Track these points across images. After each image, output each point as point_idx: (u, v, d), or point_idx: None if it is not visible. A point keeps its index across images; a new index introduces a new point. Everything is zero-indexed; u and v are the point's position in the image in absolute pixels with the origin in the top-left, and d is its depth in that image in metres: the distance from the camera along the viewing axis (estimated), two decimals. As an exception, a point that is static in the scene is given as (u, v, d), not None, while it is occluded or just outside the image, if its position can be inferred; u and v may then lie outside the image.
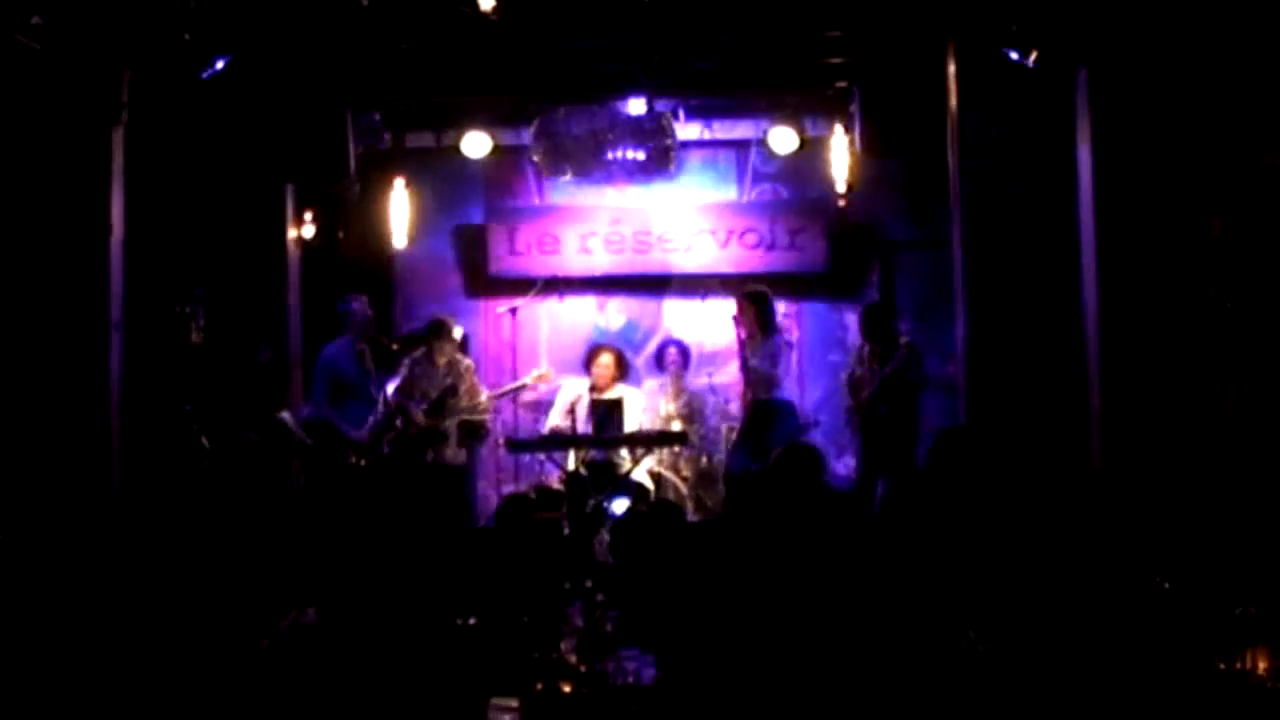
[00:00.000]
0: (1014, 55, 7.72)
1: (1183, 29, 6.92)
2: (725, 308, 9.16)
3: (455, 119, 9.76)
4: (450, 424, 8.76)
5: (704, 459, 9.31)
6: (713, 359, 9.88)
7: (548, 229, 10.46)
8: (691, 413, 9.39)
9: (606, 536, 7.04)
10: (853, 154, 8.88)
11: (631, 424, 8.81)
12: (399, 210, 9.84)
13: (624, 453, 8.89)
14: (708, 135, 10.18)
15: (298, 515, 8.61)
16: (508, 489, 9.57)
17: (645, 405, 9.22)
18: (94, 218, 7.36)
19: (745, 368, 8.62)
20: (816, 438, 9.37)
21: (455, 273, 10.62)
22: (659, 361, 10.03)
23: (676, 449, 9.07)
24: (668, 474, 9.17)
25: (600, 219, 10.45)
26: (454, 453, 8.87)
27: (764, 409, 8.62)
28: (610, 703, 3.60)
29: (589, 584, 3.88)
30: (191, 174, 8.62)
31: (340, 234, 9.98)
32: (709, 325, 10.17)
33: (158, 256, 8.22)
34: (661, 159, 9.81)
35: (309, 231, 9.14)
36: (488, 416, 9.09)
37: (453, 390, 8.73)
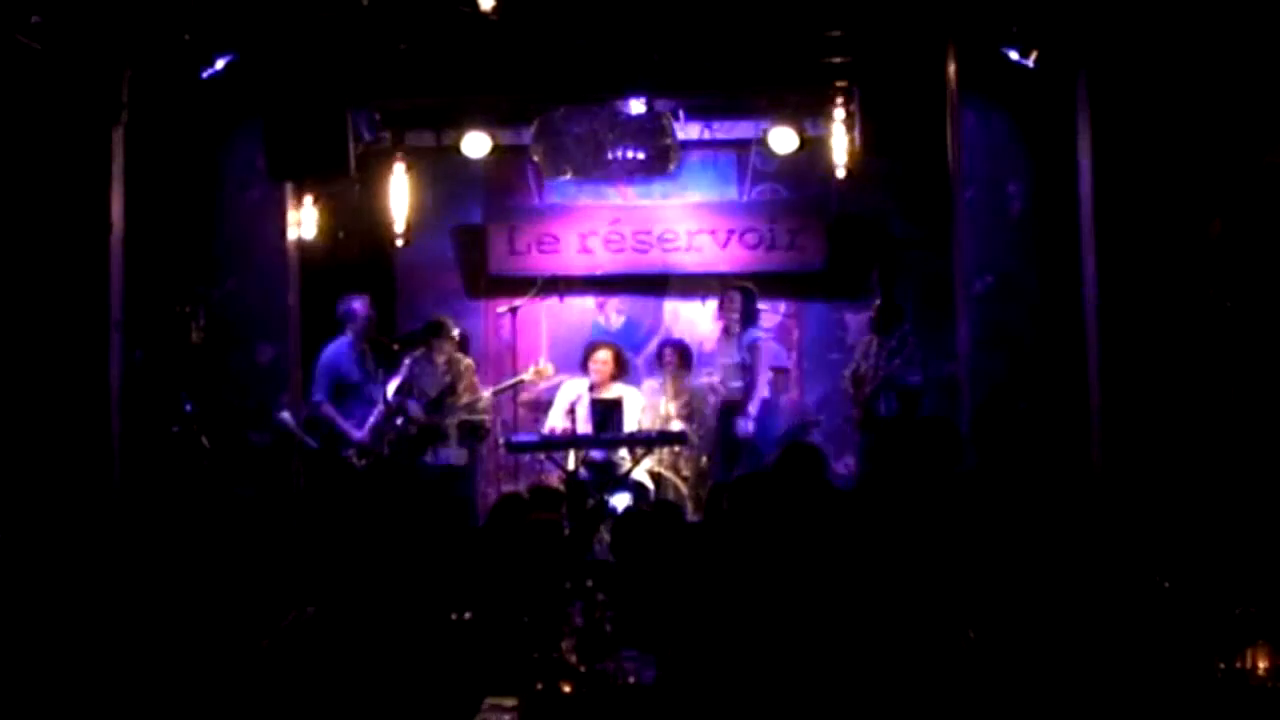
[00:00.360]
0: (1014, 55, 7.73)
1: (1182, 29, 6.92)
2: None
3: (455, 119, 9.75)
4: (450, 423, 8.76)
5: (704, 459, 9.30)
6: (712, 359, 9.88)
7: (548, 229, 10.45)
8: (691, 412, 9.38)
9: (606, 536, 7.04)
10: (852, 153, 8.88)
11: (631, 424, 8.82)
12: (399, 195, 9.77)
13: (624, 453, 8.90)
14: (708, 135, 10.17)
15: (298, 515, 8.61)
16: (508, 489, 9.57)
17: (645, 405, 9.22)
18: (94, 218, 7.36)
19: (720, 362, 8.79)
20: (816, 438, 9.39)
21: (455, 273, 10.62)
22: (659, 361, 10.03)
23: (676, 449, 9.07)
24: (668, 474, 9.16)
25: (600, 219, 10.44)
26: (455, 452, 8.87)
27: (729, 409, 8.77)
28: (610, 703, 3.60)
29: (589, 584, 3.87)
30: (192, 173, 8.63)
31: (340, 234, 9.98)
32: (709, 325, 10.17)
33: (158, 256, 8.22)
34: (661, 159, 9.80)
35: (309, 232, 9.13)
36: (488, 416, 9.09)
37: (451, 389, 8.74)
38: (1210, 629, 3.55)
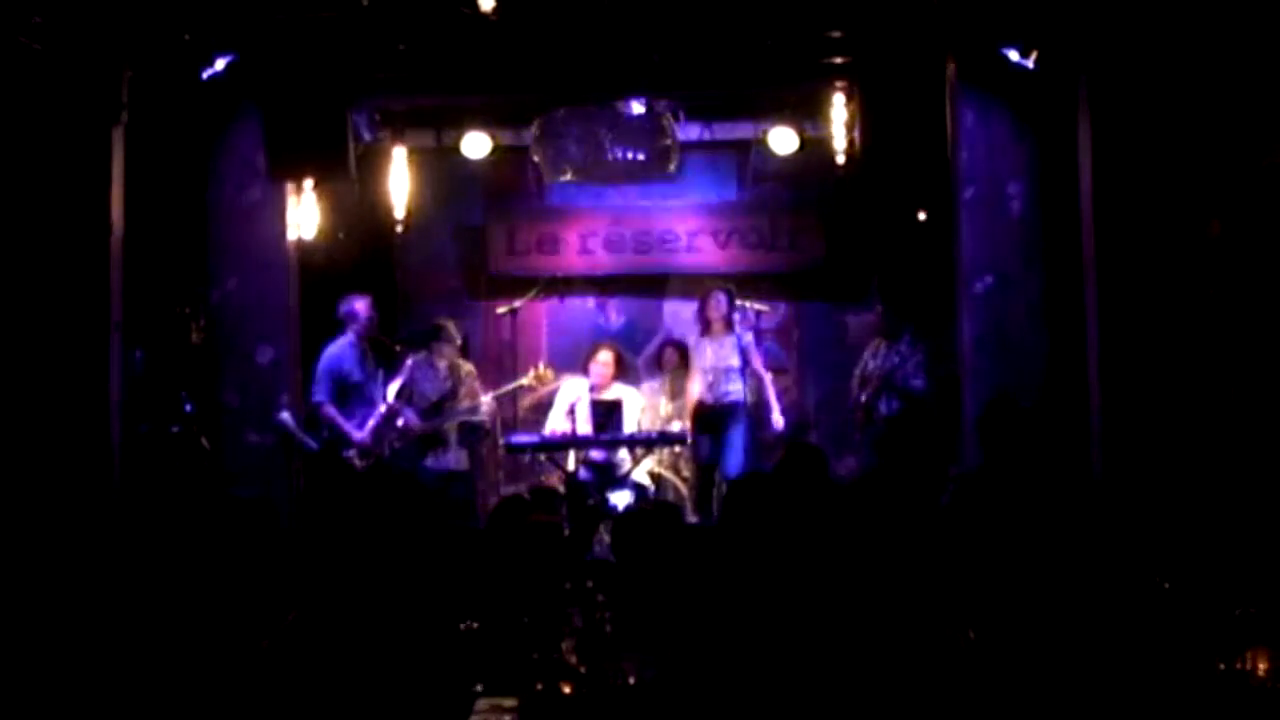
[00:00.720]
0: (1014, 57, 7.73)
1: (1182, 31, 6.92)
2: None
3: (455, 119, 9.76)
4: (450, 427, 8.76)
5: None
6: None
7: (548, 229, 10.46)
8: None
9: (606, 536, 7.04)
10: (852, 154, 8.87)
11: (631, 424, 8.82)
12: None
13: (624, 453, 8.90)
14: (708, 136, 10.17)
15: (298, 516, 8.61)
16: (508, 491, 9.57)
17: (645, 405, 9.22)
18: (94, 218, 7.35)
19: (708, 364, 8.65)
20: (815, 438, 9.39)
21: (455, 273, 10.62)
22: (658, 362, 10.04)
23: (676, 449, 9.07)
24: (667, 474, 9.17)
25: (600, 219, 10.45)
26: (455, 456, 8.87)
27: (726, 411, 8.66)
28: (610, 703, 3.60)
29: (589, 584, 3.87)
30: (192, 174, 8.62)
31: (340, 234, 9.97)
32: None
33: (157, 257, 8.22)
34: (661, 159, 9.80)
35: (309, 232, 9.13)
36: (488, 419, 9.09)
37: (452, 393, 8.74)
38: (1210, 630, 3.54)
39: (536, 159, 9.89)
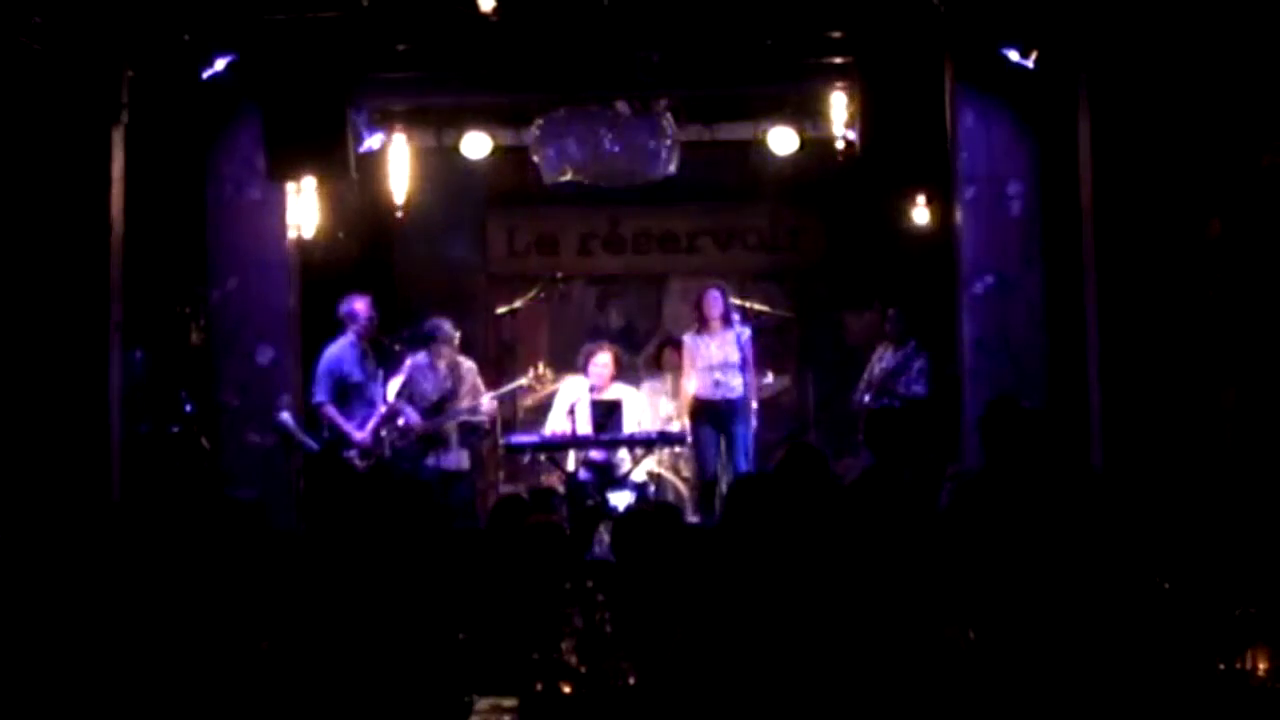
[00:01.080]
0: (1014, 57, 7.73)
1: (1182, 30, 6.91)
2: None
3: (455, 119, 9.75)
4: (450, 427, 8.76)
5: (699, 459, 9.30)
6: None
7: (547, 229, 10.47)
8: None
9: (606, 537, 7.04)
10: (852, 154, 8.87)
11: (631, 425, 8.82)
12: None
13: (624, 453, 8.89)
14: (708, 136, 10.17)
15: (297, 516, 8.61)
16: (508, 490, 9.57)
17: (645, 406, 9.22)
18: (94, 218, 7.35)
19: (707, 361, 8.63)
20: (816, 438, 9.39)
21: (455, 273, 10.63)
22: (658, 361, 10.03)
23: (676, 449, 9.07)
24: (667, 475, 9.17)
25: (600, 220, 10.46)
26: (456, 456, 8.87)
27: (730, 407, 8.65)
28: (610, 703, 3.60)
29: (589, 584, 3.87)
30: (193, 174, 8.63)
31: (340, 235, 9.97)
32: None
33: (158, 256, 8.22)
34: (661, 159, 9.80)
35: (309, 232, 9.13)
36: (489, 419, 9.08)
37: (452, 393, 8.73)
38: (1210, 630, 3.54)
39: (536, 159, 9.89)
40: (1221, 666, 3.44)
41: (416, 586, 4.30)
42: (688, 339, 8.95)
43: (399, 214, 9.87)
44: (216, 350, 8.70)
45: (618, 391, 8.99)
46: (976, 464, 7.36)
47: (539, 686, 3.63)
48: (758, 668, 3.27)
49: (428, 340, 8.78)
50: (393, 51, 8.16)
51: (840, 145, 9.05)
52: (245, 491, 7.97)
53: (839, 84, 8.69)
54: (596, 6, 7.60)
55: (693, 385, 8.79)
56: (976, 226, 8.47)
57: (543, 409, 9.49)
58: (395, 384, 8.79)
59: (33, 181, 7.18)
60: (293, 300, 8.98)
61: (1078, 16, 7.31)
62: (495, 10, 7.29)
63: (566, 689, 3.61)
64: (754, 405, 8.84)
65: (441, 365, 8.76)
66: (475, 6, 7.29)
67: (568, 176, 9.94)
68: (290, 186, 8.76)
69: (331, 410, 8.44)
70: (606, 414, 8.67)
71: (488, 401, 8.86)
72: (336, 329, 8.63)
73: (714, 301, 8.81)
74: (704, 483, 8.74)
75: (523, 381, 9.14)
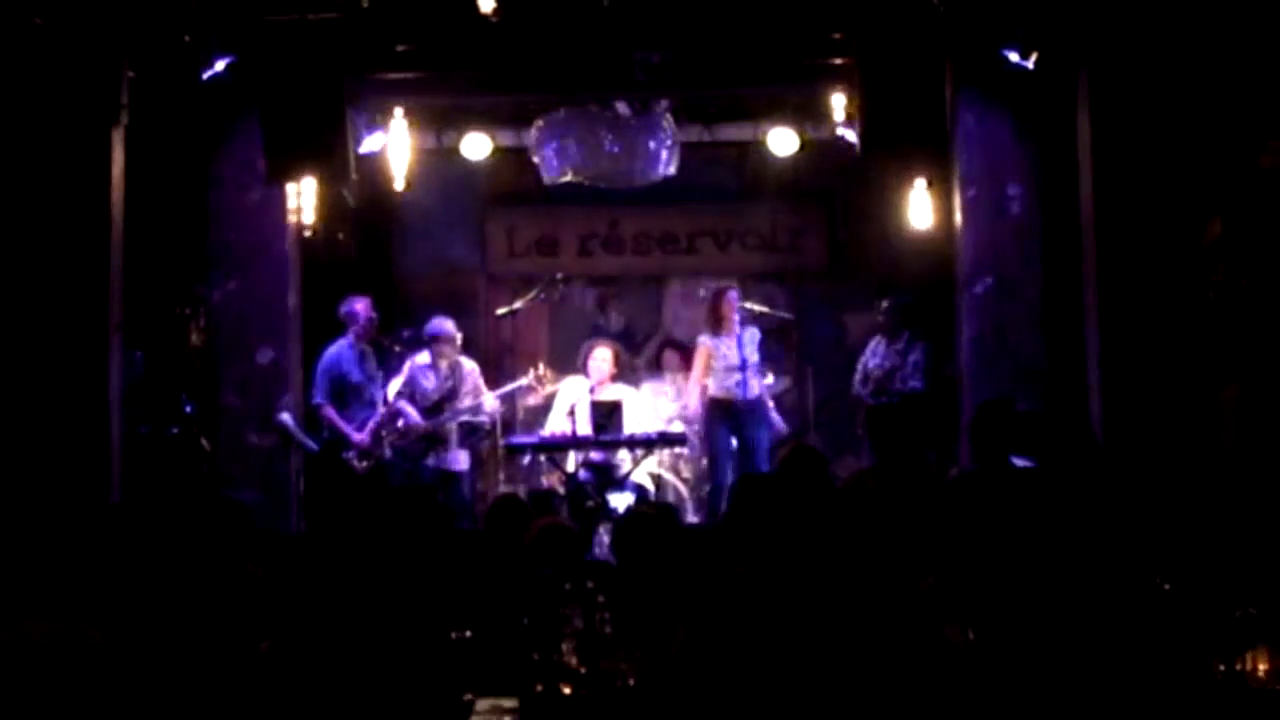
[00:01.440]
0: (1014, 57, 7.73)
1: (1182, 30, 6.92)
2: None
3: (455, 119, 9.75)
4: (450, 427, 8.76)
5: (704, 460, 9.29)
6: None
7: (548, 229, 10.46)
8: (691, 414, 9.38)
9: (606, 537, 7.04)
10: (852, 154, 8.87)
11: (631, 425, 8.81)
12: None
13: (624, 454, 8.89)
14: (708, 136, 10.17)
15: (297, 517, 8.61)
16: (507, 490, 9.57)
17: (645, 406, 9.22)
18: (94, 218, 7.35)
19: (724, 361, 8.63)
20: (816, 438, 9.39)
21: (455, 273, 10.62)
22: (658, 362, 10.03)
23: (677, 450, 9.06)
24: (668, 475, 9.16)
25: (600, 219, 10.45)
26: (456, 455, 8.87)
27: (749, 407, 8.65)
28: (610, 703, 3.60)
29: (589, 584, 3.87)
30: (192, 174, 8.62)
31: (340, 235, 9.97)
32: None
33: (158, 256, 8.22)
34: (661, 160, 9.80)
35: (309, 233, 9.13)
36: (490, 419, 9.08)
37: (453, 393, 8.74)
38: (1210, 630, 3.54)
39: (536, 159, 9.89)
40: (1221, 667, 3.44)
41: (416, 587, 4.30)
42: (705, 340, 8.93)
43: (398, 213, 9.85)
44: (216, 350, 8.70)
45: (617, 391, 8.99)
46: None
47: (539, 686, 3.63)
48: (758, 668, 3.27)
49: (429, 340, 8.78)
50: (393, 51, 8.16)
51: (840, 146, 9.04)
52: (246, 492, 7.97)
53: (839, 85, 8.69)
54: (596, 7, 7.60)
55: (710, 386, 8.78)
56: (976, 227, 8.47)
57: (543, 409, 9.49)
58: (396, 384, 8.80)
59: (33, 181, 7.18)
60: (293, 300, 8.98)
61: (1077, 17, 7.32)
62: (495, 10, 7.29)
63: (566, 689, 3.61)
64: (771, 404, 8.89)
65: (443, 365, 8.76)
66: (475, 6, 7.29)
67: (568, 177, 9.94)
68: (290, 187, 8.76)
69: (331, 411, 8.45)
70: (606, 414, 8.67)
71: (491, 401, 8.86)
72: (336, 329, 8.63)
73: (730, 302, 8.82)
74: (714, 486, 8.70)
75: (523, 381, 9.13)
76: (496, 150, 9.87)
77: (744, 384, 8.65)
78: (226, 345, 8.71)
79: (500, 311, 9.80)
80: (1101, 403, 7.42)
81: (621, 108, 9.50)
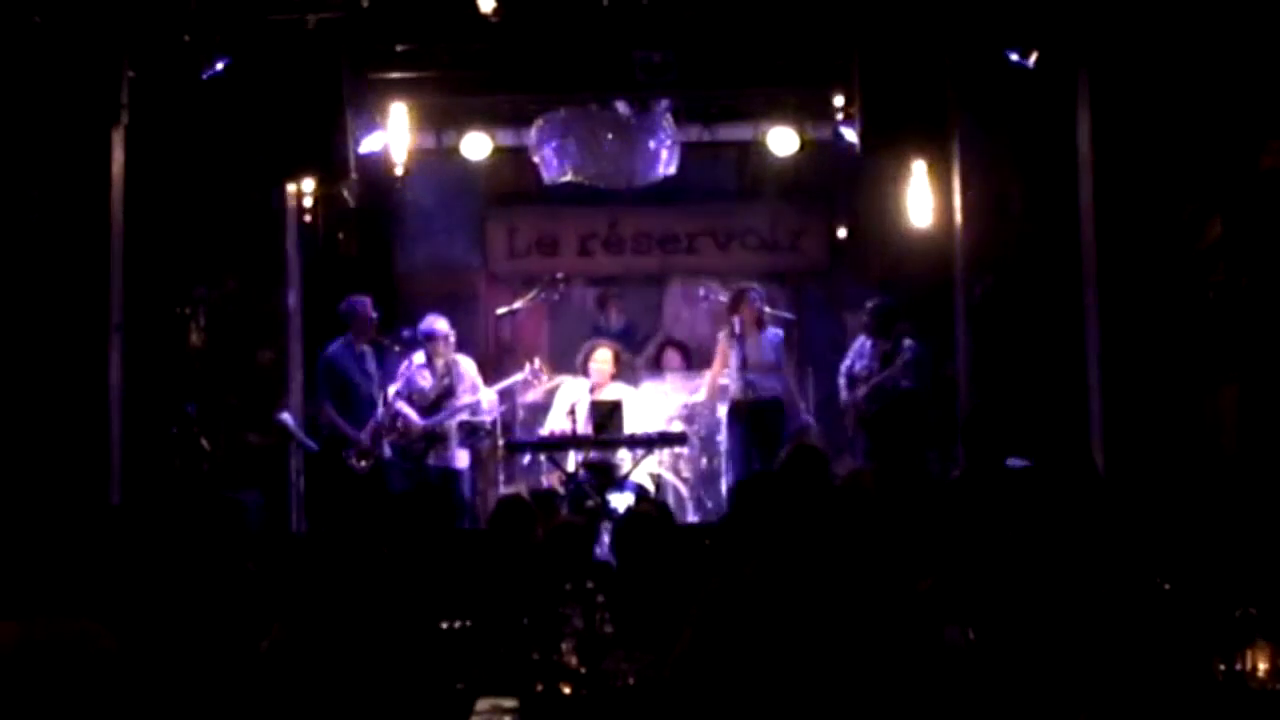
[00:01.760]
0: (1014, 56, 7.72)
1: (1182, 30, 6.92)
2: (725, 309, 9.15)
3: (455, 119, 9.75)
4: (450, 425, 8.76)
5: (704, 460, 9.29)
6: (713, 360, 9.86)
7: (548, 229, 10.46)
8: (691, 414, 9.38)
9: (606, 537, 7.04)
10: (852, 155, 8.87)
11: (631, 425, 8.81)
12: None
13: (624, 454, 8.89)
14: (708, 136, 10.17)
15: (297, 517, 8.62)
16: (507, 490, 9.56)
17: (645, 406, 9.21)
18: (94, 218, 7.35)
19: (744, 363, 8.61)
20: (815, 438, 9.38)
21: (455, 273, 10.63)
22: (658, 363, 10.03)
23: (677, 450, 9.06)
24: (668, 475, 9.16)
25: (600, 220, 10.45)
26: (456, 454, 8.87)
27: (770, 407, 8.65)
28: (610, 703, 3.60)
29: (589, 584, 3.87)
30: (191, 174, 8.62)
31: (340, 235, 9.97)
32: (709, 326, 10.17)
33: (158, 257, 8.22)
34: (661, 160, 9.79)
35: (308, 232, 9.13)
36: (489, 417, 9.07)
37: (449, 391, 8.74)
38: (1210, 630, 3.54)
39: (536, 159, 9.89)
40: (1221, 667, 3.44)
41: (416, 586, 4.30)
42: (723, 339, 8.94)
43: (398, 213, 9.85)
44: (217, 350, 8.70)
45: (617, 391, 8.98)
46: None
47: (539, 686, 3.63)
48: (763, 667, 3.27)
49: (423, 340, 8.79)
50: (393, 51, 8.16)
51: (840, 146, 9.04)
52: (246, 492, 7.96)
53: (839, 84, 8.69)
54: (596, 7, 7.61)
55: (730, 387, 8.78)
56: (976, 227, 8.46)
57: (543, 409, 9.49)
58: (394, 385, 8.80)
59: (33, 181, 7.18)
60: (293, 300, 8.97)
61: (1077, 17, 7.32)
62: (495, 10, 7.29)
63: (566, 689, 3.61)
64: (801, 405, 8.89)
65: (438, 364, 8.77)
66: (475, 6, 7.29)
67: (568, 177, 9.94)
68: (290, 187, 8.76)
69: (330, 411, 8.45)
70: (606, 414, 8.66)
71: (490, 396, 8.86)
72: (337, 329, 8.63)
73: (753, 302, 8.82)
74: (729, 486, 8.71)
75: (519, 376, 9.13)
76: (496, 150, 9.86)
77: (756, 384, 8.64)
78: (226, 344, 8.71)
79: (500, 311, 9.79)
80: (1101, 403, 7.42)
81: (621, 108, 9.50)
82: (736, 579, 3.43)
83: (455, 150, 9.82)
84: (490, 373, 9.56)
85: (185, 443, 8.24)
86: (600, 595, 3.80)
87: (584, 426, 8.80)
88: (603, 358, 9.05)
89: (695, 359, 10.00)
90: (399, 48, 8.19)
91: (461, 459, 8.92)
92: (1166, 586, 4.00)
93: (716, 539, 4.37)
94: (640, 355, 10.27)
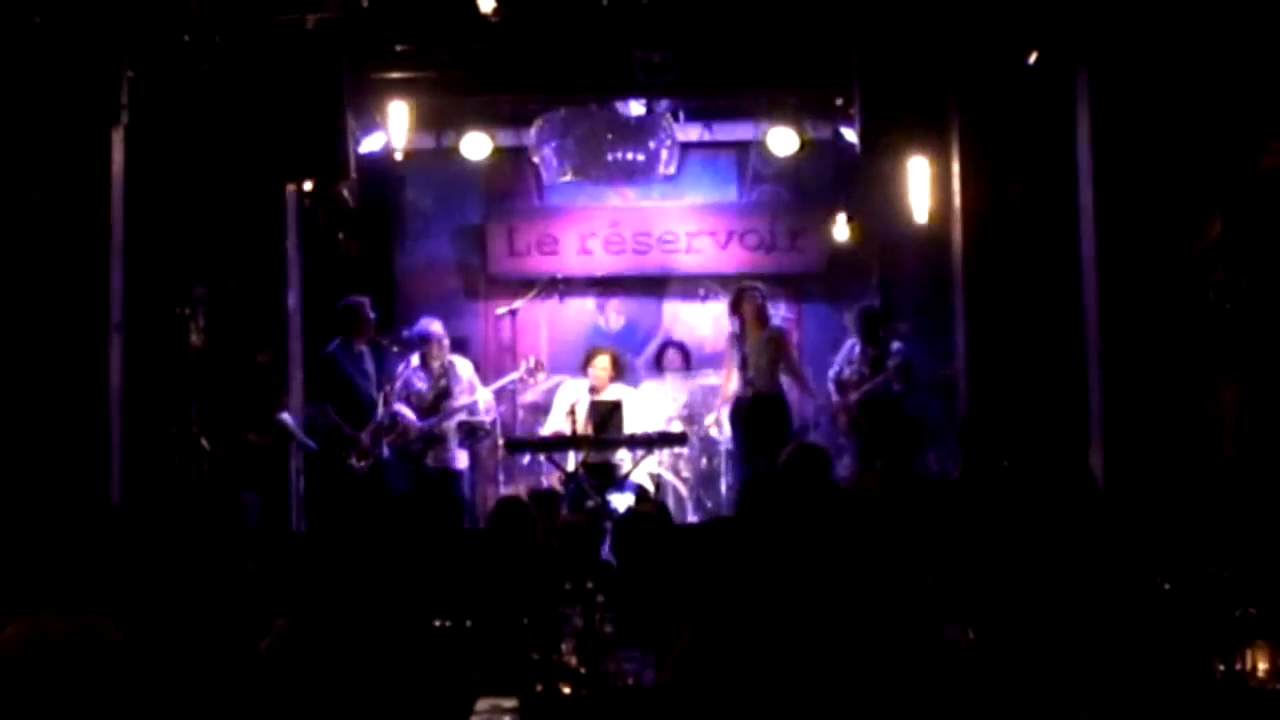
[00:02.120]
0: (1014, 55, 7.72)
1: (1182, 29, 6.91)
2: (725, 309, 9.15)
3: (455, 119, 9.75)
4: (449, 426, 8.77)
5: (704, 460, 9.29)
6: (713, 360, 9.87)
7: (547, 229, 10.45)
8: (691, 414, 9.38)
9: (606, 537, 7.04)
10: (853, 154, 8.87)
11: (631, 425, 8.81)
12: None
13: (624, 454, 8.89)
14: (707, 136, 10.17)
15: (297, 517, 8.61)
16: (507, 490, 9.56)
17: (645, 406, 9.22)
18: (94, 218, 7.35)
19: (744, 361, 8.62)
20: (816, 438, 9.38)
21: (455, 273, 10.62)
22: (658, 363, 10.03)
23: (677, 450, 9.06)
24: (668, 475, 9.16)
25: (600, 220, 10.44)
26: (455, 454, 8.87)
27: (770, 403, 8.66)
28: (610, 703, 3.60)
29: (589, 584, 3.87)
30: (191, 174, 8.62)
31: (340, 235, 9.97)
32: (709, 326, 10.16)
33: (158, 257, 8.21)
34: (661, 160, 9.79)
35: (308, 232, 9.12)
36: (488, 417, 9.07)
37: (446, 393, 8.75)
38: (1210, 630, 3.54)
39: (536, 159, 9.88)
40: (1221, 667, 3.44)
41: (416, 586, 4.30)
42: (729, 339, 8.94)
43: (398, 213, 9.84)
44: (216, 350, 8.69)
45: (617, 392, 8.99)
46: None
47: (539, 686, 3.63)
48: (765, 667, 3.27)
49: (418, 342, 8.80)
50: (392, 51, 8.16)
51: (840, 146, 9.04)
52: (246, 492, 7.96)
53: (839, 84, 8.68)
54: (596, 7, 7.61)
55: (733, 385, 8.78)
56: (975, 226, 8.46)
57: (542, 409, 9.49)
58: (393, 385, 8.80)
59: (33, 181, 7.18)
60: (293, 300, 8.97)
61: (1076, 16, 7.31)
62: (495, 10, 7.29)
63: (566, 689, 3.61)
64: (813, 405, 8.91)
65: (434, 366, 8.79)
66: (475, 6, 7.29)
67: (568, 177, 9.94)
68: (290, 187, 8.75)
69: (330, 411, 8.44)
70: (606, 414, 8.66)
71: (487, 395, 8.86)
72: (337, 329, 8.63)
73: (748, 301, 8.82)
74: (741, 478, 8.72)
75: (515, 375, 9.14)
76: (496, 150, 9.86)
77: (758, 382, 8.65)
78: (226, 345, 8.70)
79: (500, 311, 9.80)
80: (1101, 403, 7.42)
81: (621, 108, 9.49)
82: (737, 578, 3.43)
83: (455, 150, 9.81)
84: (490, 373, 9.57)
85: (185, 443, 8.24)
86: (600, 595, 3.80)
87: (584, 427, 8.80)
88: (601, 364, 9.05)
89: (695, 359, 9.99)
90: (399, 48, 8.19)
91: (460, 459, 8.92)
92: (1166, 586, 3.99)
93: (715, 537, 4.37)
94: (640, 357, 10.27)
